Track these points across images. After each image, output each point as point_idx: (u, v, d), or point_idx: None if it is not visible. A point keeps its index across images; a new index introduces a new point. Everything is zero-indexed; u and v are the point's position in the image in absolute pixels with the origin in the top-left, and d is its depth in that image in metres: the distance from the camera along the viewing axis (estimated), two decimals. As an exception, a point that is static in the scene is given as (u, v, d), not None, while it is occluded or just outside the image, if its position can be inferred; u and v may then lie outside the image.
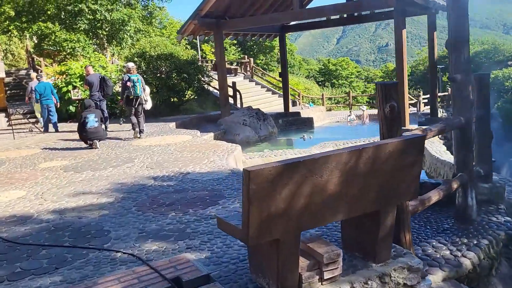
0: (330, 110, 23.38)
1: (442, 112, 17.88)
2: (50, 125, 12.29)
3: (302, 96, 23.31)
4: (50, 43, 17.41)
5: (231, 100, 16.63)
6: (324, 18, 15.68)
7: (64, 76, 14.46)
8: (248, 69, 23.77)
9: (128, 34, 18.57)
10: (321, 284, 2.75)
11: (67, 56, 17.46)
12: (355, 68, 54.35)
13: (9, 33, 19.30)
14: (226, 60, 29.39)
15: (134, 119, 9.99)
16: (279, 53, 43.27)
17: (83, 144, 9.45)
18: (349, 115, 18.71)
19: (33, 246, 3.94)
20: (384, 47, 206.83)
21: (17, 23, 17.87)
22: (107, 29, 18.10)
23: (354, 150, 2.68)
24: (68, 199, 5.44)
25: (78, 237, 4.11)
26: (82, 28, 17.35)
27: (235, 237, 2.75)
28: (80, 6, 16.75)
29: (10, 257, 3.75)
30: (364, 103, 27.95)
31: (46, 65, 20.58)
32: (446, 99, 21.32)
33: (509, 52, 54.66)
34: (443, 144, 10.15)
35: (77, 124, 13.56)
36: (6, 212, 5.09)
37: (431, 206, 4.07)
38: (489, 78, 3.73)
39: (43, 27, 16.85)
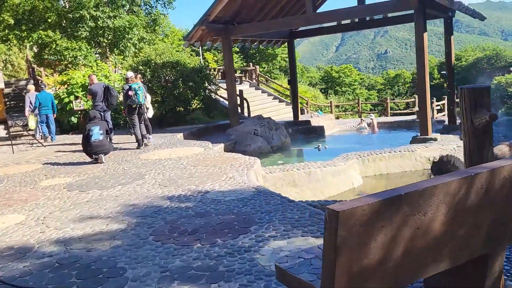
0: (338, 118, 22.75)
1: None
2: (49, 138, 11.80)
3: (310, 104, 22.68)
4: (50, 52, 16.80)
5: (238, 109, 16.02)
6: (335, 23, 15.17)
7: (66, 86, 13.84)
8: (254, 76, 23.15)
9: (131, 42, 17.96)
10: None
11: (68, 65, 16.84)
12: (358, 75, 53.83)
13: (9, 42, 18.70)
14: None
15: (138, 132, 9.72)
16: (281, 61, 43.19)
17: (87, 158, 8.78)
18: (360, 123, 18.06)
19: (33, 290, 3.25)
20: (383, 54, 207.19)
21: (17, 32, 17.28)
22: (109, 37, 17.48)
23: (465, 177, 2.00)
24: (73, 225, 4.75)
25: (88, 277, 3.41)
26: (83, 36, 16.73)
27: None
28: (81, 12, 16.14)
29: (6, 305, 3.06)
30: (371, 111, 27.36)
31: (46, 75, 19.99)
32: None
33: (510, 58, 54.39)
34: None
35: (79, 135, 13.04)
36: (2, 243, 4.40)
37: None
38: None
39: (43, 36, 16.24)
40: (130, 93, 9.47)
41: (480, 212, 2.09)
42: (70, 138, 12.80)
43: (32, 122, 12.27)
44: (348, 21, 15.08)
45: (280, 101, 21.73)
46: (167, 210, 5.03)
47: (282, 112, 19.72)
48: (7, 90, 16.88)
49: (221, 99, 18.03)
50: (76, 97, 13.19)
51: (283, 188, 7.22)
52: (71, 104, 13.14)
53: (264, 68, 39.48)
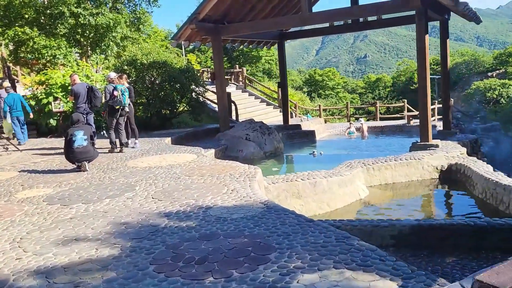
0: (325, 122, 22.30)
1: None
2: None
3: (299, 108, 22.19)
4: (27, 50, 15.82)
5: (227, 112, 15.36)
6: (327, 24, 14.68)
7: (44, 86, 12.94)
8: (241, 79, 22.53)
9: (114, 41, 17.10)
10: None
11: (46, 64, 15.89)
12: (341, 78, 53.73)
13: (-18, 39, 17.62)
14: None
15: (113, 135, 9.35)
16: (265, 63, 42.70)
17: (68, 165, 8.02)
18: (349, 128, 17.63)
19: None
20: (362, 58, 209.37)
21: (-9, 28, 16.26)
22: (90, 36, 16.58)
23: None
24: (56, 250, 4.04)
25: (78, 326, 2.74)
26: (62, 33, 15.80)
27: None
28: (61, 8, 15.21)
29: None
30: (361, 116, 27.07)
31: (23, 75, 18.94)
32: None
33: (488, 63, 55.34)
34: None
35: (58, 139, 12.18)
36: (-31, 274, 3.67)
37: None
38: None
39: (20, 33, 15.26)
40: (115, 93, 9.10)
41: None
42: (49, 141, 11.95)
43: (7, 128, 11.53)
44: (341, 22, 14.63)
45: (268, 104, 21.16)
46: (166, 230, 4.36)
47: (271, 116, 19.16)
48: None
49: (208, 102, 17.36)
50: (55, 98, 12.32)
51: (287, 200, 6.62)
52: (49, 106, 12.28)
53: (248, 70, 38.93)
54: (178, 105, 14.67)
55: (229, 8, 12.29)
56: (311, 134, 15.75)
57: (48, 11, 15.79)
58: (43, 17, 16.33)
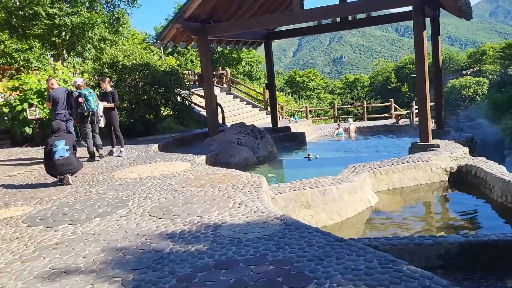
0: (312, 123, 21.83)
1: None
2: None
3: (285, 110, 21.68)
4: (-2, 54, 14.87)
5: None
6: (315, 23, 14.22)
7: (18, 92, 12.06)
8: (225, 81, 21.88)
9: (91, 42, 16.25)
10: None
11: (20, 69, 14.94)
12: (322, 79, 53.59)
13: None
14: (195, 72, 27.40)
15: (91, 143, 8.94)
16: (246, 65, 42.10)
17: (48, 178, 7.27)
18: (337, 129, 17.21)
19: None
20: (338, 59, 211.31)
21: (-42, 31, 15.20)
22: (66, 37, 15.68)
23: None
24: (42, 287, 3.35)
25: None
26: (37, 33, 14.89)
27: None
28: (35, 9, 14.30)
29: None
30: (348, 116, 26.76)
31: (-6, 80, 17.85)
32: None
33: (463, 62, 56.21)
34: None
35: (35, 148, 11.32)
36: None
37: None
38: None
39: (-12, 36, 14.33)
40: (80, 99, 8.71)
41: None
42: (25, 151, 11.09)
43: None
44: (329, 20, 14.18)
45: (254, 106, 20.59)
46: (173, 257, 3.70)
47: (258, 118, 18.60)
48: None
49: (193, 105, 16.67)
50: (31, 105, 11.48)
51: (295, 211, 6.03)
52: (24, 113, 11.42)
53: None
54: (163, 109, 13.95)
55: (216, 6, 11.70)
56: (301, 136, 15.26)
57: (20, 12, 14.84)
58: (14, 19, 15.36)
